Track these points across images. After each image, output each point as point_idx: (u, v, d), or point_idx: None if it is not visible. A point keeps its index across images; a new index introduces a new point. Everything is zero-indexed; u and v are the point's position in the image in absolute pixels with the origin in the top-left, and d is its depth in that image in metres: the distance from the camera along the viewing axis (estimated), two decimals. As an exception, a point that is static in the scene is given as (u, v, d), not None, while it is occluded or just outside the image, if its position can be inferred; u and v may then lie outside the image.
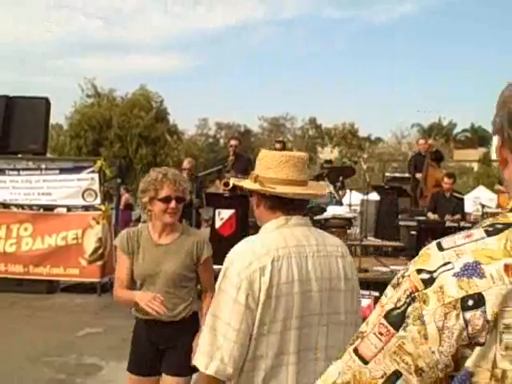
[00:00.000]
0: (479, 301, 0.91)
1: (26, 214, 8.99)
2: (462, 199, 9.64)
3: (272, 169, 2.07)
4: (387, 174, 12.07)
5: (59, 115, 31.78)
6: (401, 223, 9.59)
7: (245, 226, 8.75)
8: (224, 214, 8.25)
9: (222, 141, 45.98)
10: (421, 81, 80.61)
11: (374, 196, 11.68)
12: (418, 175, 10.58)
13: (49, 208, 9.13)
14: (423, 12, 77.55)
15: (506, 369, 0.90)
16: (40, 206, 9.13)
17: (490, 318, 0.90)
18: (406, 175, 11.50)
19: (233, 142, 9.45)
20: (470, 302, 0.91)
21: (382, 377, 0.96)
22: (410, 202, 10.69)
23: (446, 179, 9.38)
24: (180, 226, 3.18)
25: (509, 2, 69.75)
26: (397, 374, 0.95)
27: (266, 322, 1.92)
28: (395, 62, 79.09)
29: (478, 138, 52.82)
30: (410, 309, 0.95)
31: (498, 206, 9.89)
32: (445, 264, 0.95)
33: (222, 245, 8.30)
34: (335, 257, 2.09)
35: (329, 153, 44.60)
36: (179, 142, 34.47)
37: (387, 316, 0.98)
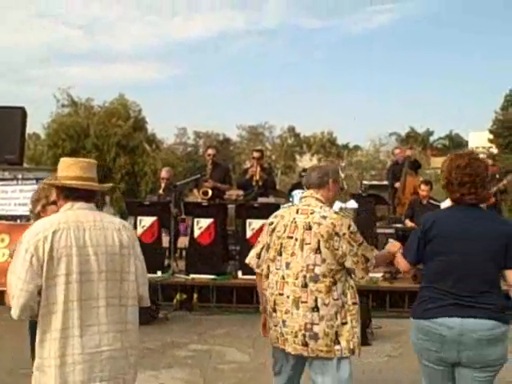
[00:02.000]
0: (271, 224, 3.39)
1: (3, 224, 8.84)
2: (439, 206, 9.73)
3: (64, 170, 2.81)
4: (365, 182, 12.12)
5: (37, 125, 31.53)
6: (378, 231, 9.62)
7: (224, 235, 8.75)
8: (202, 223, 8.25)
9: (201, 150, 45.92)
10: (398, 89, 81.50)
11: (353, 204, 11.74)
12: (397, 184, 10.68)
13: (26, 219, 9.03)
14: (399, 22, 78.50)
15: (275, 242, 3.36)
16: (17, 217, 9.04)
17: (269, 226, 3.40)
18: (384, 183, 11.58)
19: (210, 151, 9.39)
20: (269, 223, 3.41)
21: (262, 247, 3.37)
22: (388, 209, 10.78)
23: (422, 186, 9.47)
24: None
25: (487, 9, 71.00)
26: (267, 243, 3.34)
27: (52, 276, 2.55)
28: (373, 70, 79.84)
29: (454, 145, 53.47)
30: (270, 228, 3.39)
31: None
32: (275, 216, 3.39)
33: (200, 254, 8.33)
34: (111, 230, 2.73)
35: (308, 161, 44.76)
36: (158, 150, 34.32)
37: (267, 229, 3.39)
